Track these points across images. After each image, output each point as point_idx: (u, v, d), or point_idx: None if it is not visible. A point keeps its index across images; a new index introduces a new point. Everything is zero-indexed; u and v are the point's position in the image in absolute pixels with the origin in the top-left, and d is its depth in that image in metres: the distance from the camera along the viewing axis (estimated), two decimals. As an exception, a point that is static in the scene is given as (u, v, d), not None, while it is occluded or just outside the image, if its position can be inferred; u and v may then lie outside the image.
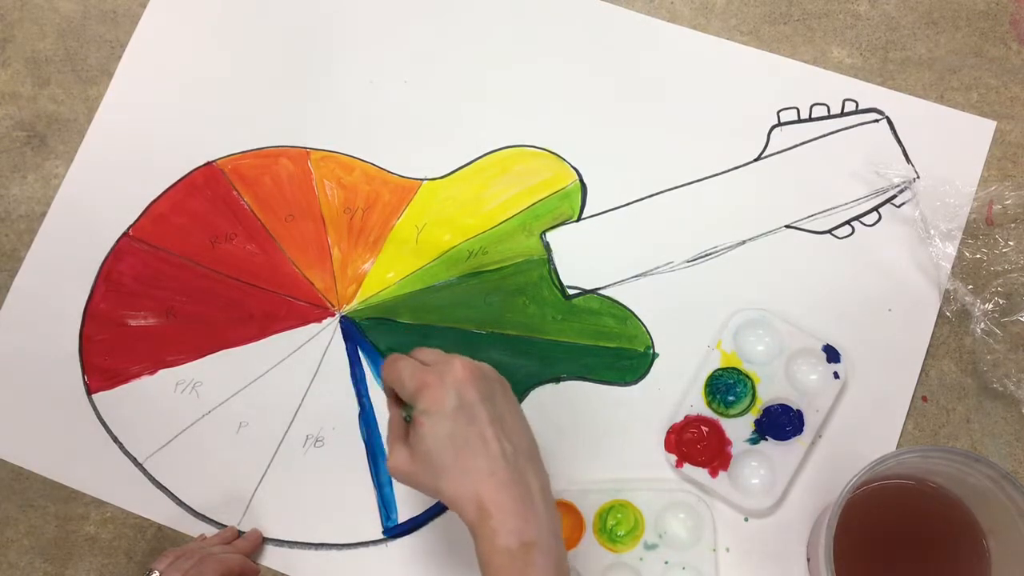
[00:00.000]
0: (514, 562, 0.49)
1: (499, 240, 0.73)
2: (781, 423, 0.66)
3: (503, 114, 0.75)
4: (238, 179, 0.76)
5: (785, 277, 0.70)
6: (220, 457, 0.70)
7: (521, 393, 0.69)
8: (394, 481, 0.68)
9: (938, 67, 0.74)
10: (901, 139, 0.72)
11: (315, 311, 0.73)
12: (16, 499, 0.70)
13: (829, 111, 0.73)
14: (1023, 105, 0.73)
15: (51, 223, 0.76)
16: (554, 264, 0.72)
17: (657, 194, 0.73)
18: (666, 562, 0.65)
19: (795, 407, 0.66)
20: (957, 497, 0.62)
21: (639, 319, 0.70)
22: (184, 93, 0.78)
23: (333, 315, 0.73)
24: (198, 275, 0.74)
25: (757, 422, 0.66)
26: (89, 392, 0.72)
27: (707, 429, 0.66)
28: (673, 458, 0.66)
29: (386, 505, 0.68)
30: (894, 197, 0.71)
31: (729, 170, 0.73)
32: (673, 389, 0.69)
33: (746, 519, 0.66)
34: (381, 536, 0.68)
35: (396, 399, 0.56)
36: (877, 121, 0.73)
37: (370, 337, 0.72)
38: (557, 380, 0.70)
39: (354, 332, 0.72)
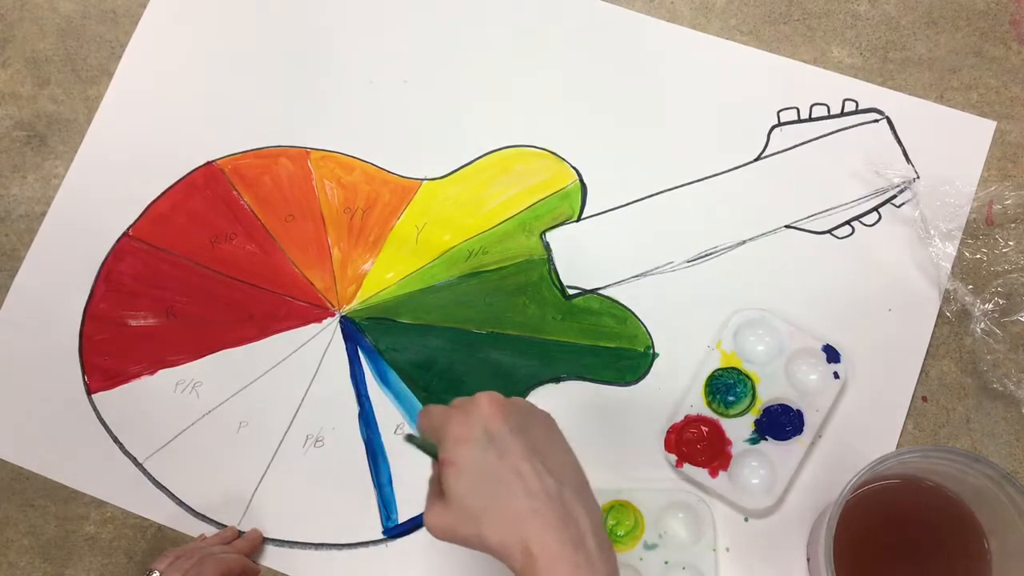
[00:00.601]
0: None
1: (499, 240, 0.73)
2: (781, 423, 0.66)
3: (503, 114, 0.75)
4: (238, 179, 0.76)
5: (785, 277, 0.70)
6: (220, 457, 0.70)
7: (521, 393, 0.69)
8: (394, 481, 0.68)
9: (938, 67, 0.74)
10: (901, 139, 0.72)
11: (315, 311, 0.73)
12: (16, 499, 0.70)
13: (829, 111, 0.73)
14: (1023, 105, 0.73)
15: (51, 223, 0.76)
16: (554, 264, 0.72)
17: (657, 194, 0.73)
18: (666, 562, 0.65)
19: (795, 407, 0.66)
20: (957, 497, 0.62)
21: (639, 319, 0.70)
22: (184, 93, 0.78)
23: (333, 315, 0.73)
24: (198, 275, 0.74)
25: (757, 422, 0.66)
26: (89, 392, 0.72)
27: (707, 429, 0.66)
28: (673, 458, 0.66)
29: (386, 505, 0.68)
30: (894, 197, 0.71)
31: (729, 170, 0.73)
32: (673, 389, 0.69)
33: (746, 519, 0.66)
34: (381, 536, 0.68)
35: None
36: (877, 121, 0.73)
37: (370, 337, 0.72)
38: (557, 380, 0.70)
39: (354, 332, 0.72)
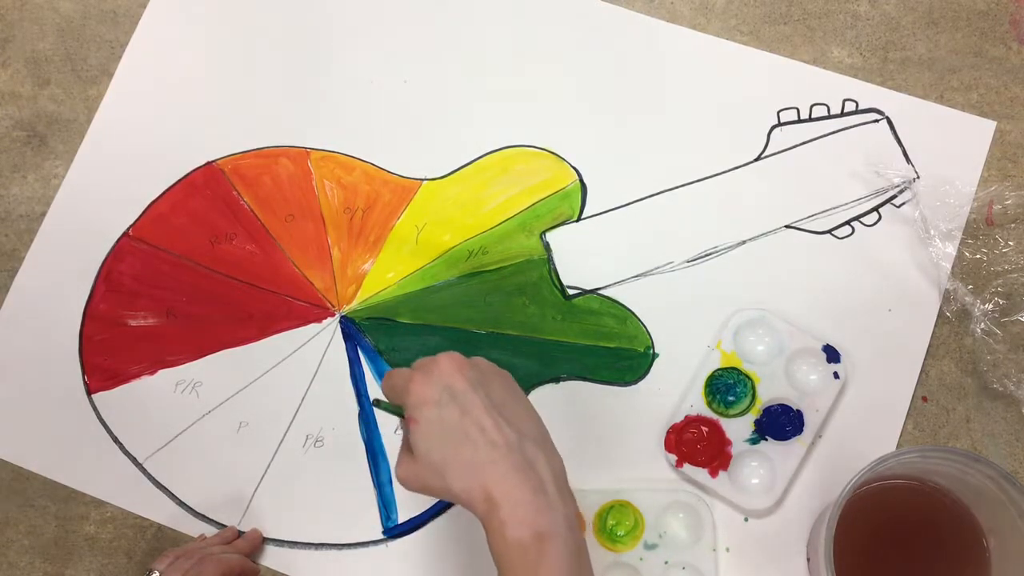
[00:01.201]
0: (527, 555, 0.46)
1: (499, 240, 0.73)
2: (781, 423, 0.66)
3: (503, 114, 0.75)
4: (238, 179, 0.76)
5: (785, 277, 0.70)
6: (220, 457, 0.70)
7: (521, 393, 0.69)
8: (395, 481, 0.68)
9: (938, 67, 0.74)
10: (901, 139, 0.72)
11: (315, 311, 0.73)
12: (16, 499, 0.70)
13: (829, 111, 0.73)
14: (1023, 105, 0.73)
15: (51, 223, 0.76)
16: (554, 264, 0.72)
17: (657, 194, 0.73)
18: (666, 562, 0.65)
19: (795, 407, 0.66)
20: (957, 497, 0.62)
21: (639, 319, 0.70)
22: (184, 93, 0.78)
23: (333, 315, 0.73)
24: (198, 275, 0.74)
25: (757, 422, 0.66)
26: (89, 392, 0.72)
27: (707, 429, 0.66)
28: (673, 458, 0.66)
29: (386, 505, 0.68)
30: (894, 197, 0.71)
31: (729, 170, 0.73)
32: (673, 389, 0.69)
33: (746, 519, 0.66)
34: (381, 536, 0.68)
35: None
36: (877, 121, 0.73)
37: (370, 337, 0.72)
38: (557, 380, 0.70)
39: (354, 332, 0.72)
